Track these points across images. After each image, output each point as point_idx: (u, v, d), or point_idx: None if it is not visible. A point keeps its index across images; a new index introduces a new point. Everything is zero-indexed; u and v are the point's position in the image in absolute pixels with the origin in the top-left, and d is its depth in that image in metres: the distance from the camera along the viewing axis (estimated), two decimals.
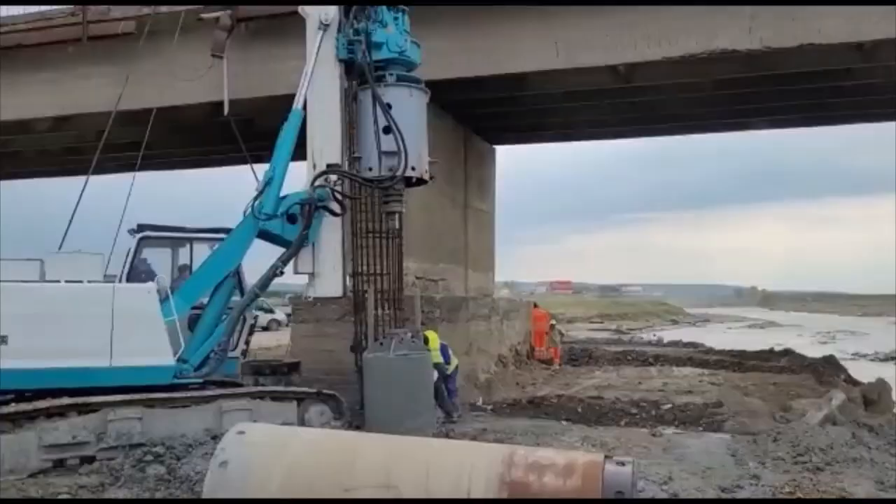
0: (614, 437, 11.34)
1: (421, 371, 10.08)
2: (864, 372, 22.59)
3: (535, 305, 24.46)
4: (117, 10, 16.56)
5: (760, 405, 14.57)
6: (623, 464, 5.53)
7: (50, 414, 8.40)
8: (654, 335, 47.12)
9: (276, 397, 10.09)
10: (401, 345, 10.03)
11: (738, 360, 22.53)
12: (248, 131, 16.03)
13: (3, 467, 7.96)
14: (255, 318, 11.39)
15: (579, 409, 13.80)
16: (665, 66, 14.91)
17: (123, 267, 10.64)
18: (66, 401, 8.46)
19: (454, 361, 12.61)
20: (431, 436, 9.75)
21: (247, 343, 11.29)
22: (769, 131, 22.16)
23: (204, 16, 15.75)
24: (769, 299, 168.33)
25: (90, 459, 8.43)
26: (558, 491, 5.35)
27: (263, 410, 9.80)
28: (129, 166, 25.70)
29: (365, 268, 11.71)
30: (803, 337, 49.51)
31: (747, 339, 42.73)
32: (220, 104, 15.25)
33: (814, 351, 29.00)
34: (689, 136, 22.51)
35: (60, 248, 10.01)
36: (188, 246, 11.25)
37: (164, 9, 16.35)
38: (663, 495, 7.51)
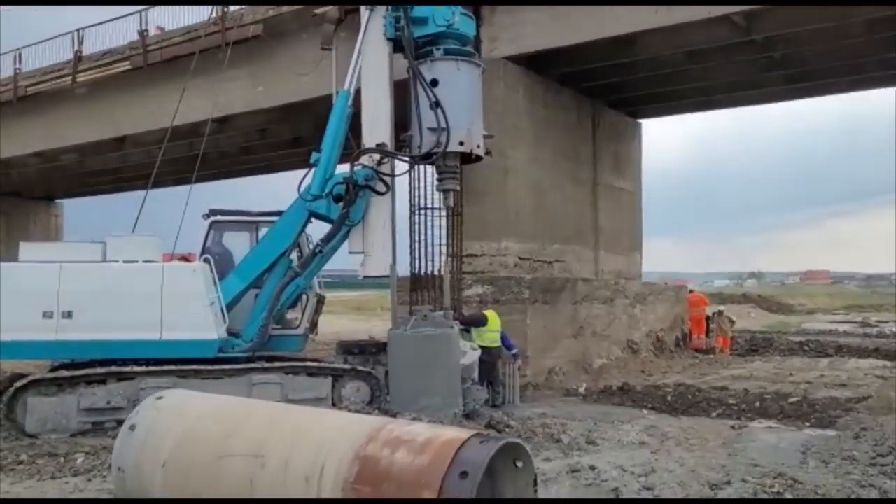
0: (683, 428, 10.24)
1: (438, 349, 9.78)
2: None
3: (691, 291, 22.58)
4: (249, 15, 17.88)
5: None
6: (485, 442, 5.04)
7: (91, 381, 9.36)
8: None
9: (312, 373, 10.36)
10: (424, 321, 9.82)
11: None
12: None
13: (46, 426, 9.06)
14: (320, 297, 11.72)
15: (668, 398, 12.57)
16: (788, 11, 13.10)
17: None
18: (102, 369, 9.39)
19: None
20: (453, 416, 9.50)
21: (313, 321, 11.66)
22: None
23: (318, 11, 16.50)
24: None
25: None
26: (405, 467, 5.01)
27: (296, 385, 10.14)
28: (298, 163, 27.72)
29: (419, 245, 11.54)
30: None
31: None
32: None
33: None
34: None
35: (133, 231, 11.10)
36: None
37: (285, 9, 17.45)
38: (635, 485, 6.62)
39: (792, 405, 12.10)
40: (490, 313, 11.81)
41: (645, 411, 11.77)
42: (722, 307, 23.70)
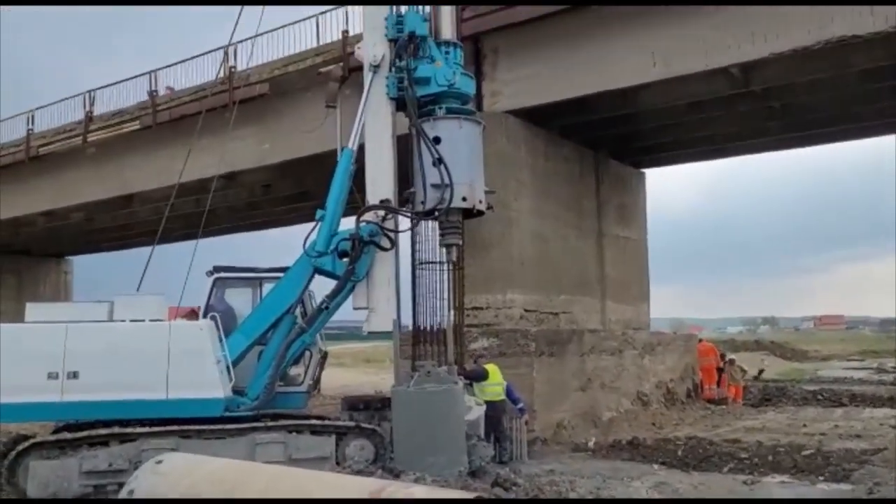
0: (694, 484, 10.08)
1: (443, 405, 9.68)
2: None
3: (700, 340, 22.38)
4: (255, 75, 18.24)
5: None
6: None
7: (93, 443, 9.29)
8: None
9: (315, 431, 10.26)
10: (428, 377, 9.76)
11: None
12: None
13: (48, 490, 8.97)
14: (323, 353, 11.70)
15: (679, 453, 12.35)
16: (784, 63, 13.26)
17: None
18: (104, 431, 9.33)
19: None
20: (458, 474, 9.36)
21: (316, 378, 11.61)
22: None
23: (322, 70, 16.82)
24: None
25: None
26: None
27: (300, 444, 10.04)
28: (303, 217, 27.89)
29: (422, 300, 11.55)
30: None
31: None
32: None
33: None
34: None
35: (138, 290, 11.16)
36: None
37: (291, 68, 17.82)
38: None
39: (805, 458, 11.84)
40: (491, 367, 11.75)
41: (655, 466, 11.58)
42: (733, 356, 23.36)
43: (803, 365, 44.29)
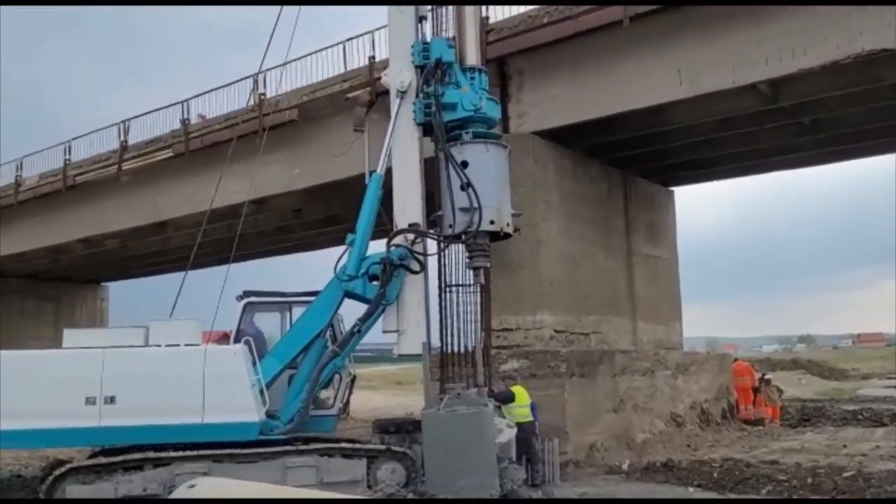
0: None
1: (473, 428, 9.65)
2: None
3: (735, 359, 22.04)
4: (285, 101, 18.53)
5: None
6: None
7: (127, 467, 9.41)
8: None
9: (346, 454, 10.28)
10: (458, 400, 9.75)
11: None
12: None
13: None
14: (352, 376, 11.76)
15: (715, 475, 12.13)
16: (813, 78, 13.17)
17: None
18: (138, 455, 9.45)
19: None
20: (489, 496, 9.32)
21: (346, 401, 11.67)
22: None
23: (350, 95, 17.05)
24: None
25: None
26: None
27: (331, 467, 10.07)
28: (333, 240, 28.09)
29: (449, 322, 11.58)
30: None
31: None
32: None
33: None
34: None
35: (171, 315, 11.34)
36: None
37: (319, 94, 18.08)
38: None
39: (846, 480, 11.56)
40: (518, 389, 11.72)
41: (691, 489, 11.39)
42: (769, 375, 22.93)
43: (842, 384, 43.30)
